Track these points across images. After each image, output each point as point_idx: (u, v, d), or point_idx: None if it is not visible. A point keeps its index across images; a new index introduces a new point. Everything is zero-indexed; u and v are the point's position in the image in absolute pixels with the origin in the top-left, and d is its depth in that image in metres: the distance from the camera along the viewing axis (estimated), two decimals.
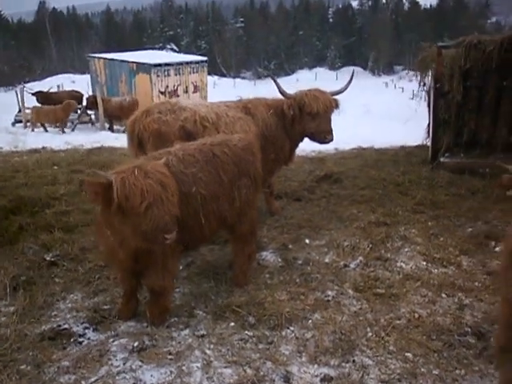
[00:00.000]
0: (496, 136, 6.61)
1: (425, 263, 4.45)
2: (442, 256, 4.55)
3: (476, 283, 4.08)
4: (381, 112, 24.90)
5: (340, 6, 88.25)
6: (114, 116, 17.87)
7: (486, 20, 77.96)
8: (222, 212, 3.68)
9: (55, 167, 8.94)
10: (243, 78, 68.85)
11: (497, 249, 4.67)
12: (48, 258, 4.63)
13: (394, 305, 3.78)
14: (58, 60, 68.84)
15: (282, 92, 5.21)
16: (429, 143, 9.08)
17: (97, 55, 20.67)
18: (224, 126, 4.80)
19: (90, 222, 5.63)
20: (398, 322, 3.55)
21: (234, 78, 64.73)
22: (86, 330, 3.49)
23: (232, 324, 3.53)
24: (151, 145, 4.76)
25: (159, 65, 18.56)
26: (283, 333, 3.41)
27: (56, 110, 16.99)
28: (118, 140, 15.12)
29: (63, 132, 16.98)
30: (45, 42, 69.38)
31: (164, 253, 3.33)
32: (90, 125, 19.02)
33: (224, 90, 38.86)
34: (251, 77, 70.46)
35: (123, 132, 16.85)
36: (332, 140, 5.19)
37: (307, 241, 5.02)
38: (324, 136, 5.15)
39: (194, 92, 21.08)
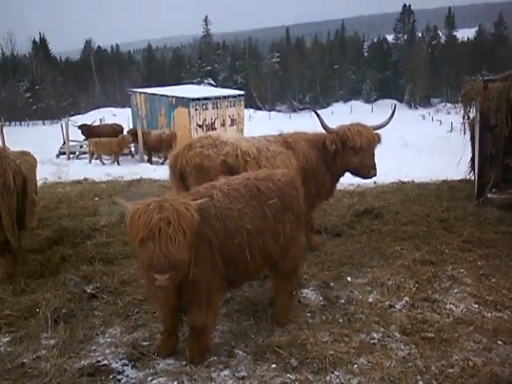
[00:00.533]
0: None
1: (477, 306, 4.20)
2: (496, 299, 4.29)
3: None
4: (419, 145, 24.58)
5: (375, 40, 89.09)
6: (153, 148, 18.32)
7: None
8: (267, 248, 3.61)
9: (96, 198, 9.16)
10: (278, 111, 69.86)
11: None
12: (88, 291, 4.65)
13: (445, 351, 3.55)
14: (101, 95, 72.05)
15: (324, 126, 5.17)
16: (473, 178, 8.85)
17: (138, 90, 21.42)
18: (265, 160, 4.79)
19: (129, 254, 5.68)
20: (450, 370, 3.32)
21: (270, 111, 65.74)
22: (125, 367, 3.42)
23: (273, 366, 3.39)
24: (193, 179, 4.79)
25: (197, 99, 18.98)
26: (327, 378, 3.24)
27: (111, 142, 17.68)
28: (157, 172, 15.49)
29: (118, 164, 17.56)
30: (89, 77, 72.87)
31: (208, 289, 3.28)
32: (129, 157, 19.53)
33: (259, 123, 39.46)
34: (286, 110, 71.45)
35: (161, 164, 17.23)
36: (376, 175, 5.13)
37: (349, 278, 4.86)
38: (368, 171, 5.08)
39: (231, 125, 21.38)
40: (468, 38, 79.90)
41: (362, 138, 4.96)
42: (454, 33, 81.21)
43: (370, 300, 4.39)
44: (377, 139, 5.11)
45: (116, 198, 3.25)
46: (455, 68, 72.30)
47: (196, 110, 18.87)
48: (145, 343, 3.73)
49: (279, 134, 5.32)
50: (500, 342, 3.65)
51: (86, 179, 12.89)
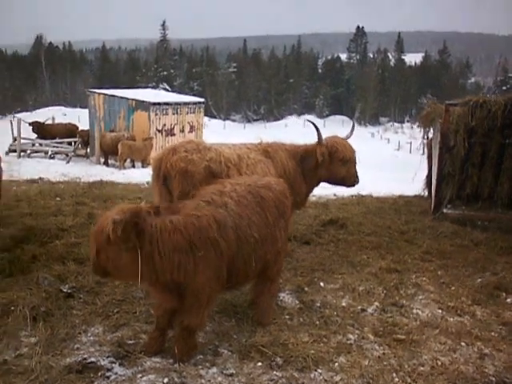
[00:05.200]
0: (497, 191, 6.89)
1: (440, 311, 4.54)
2: (456, 305, 4.65)
3: (492, 333, 4.17)
4: (369, 161, 25.50)
5: (329, 57, 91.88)
6: (110, 151, 17.97)
7: (467, 80, 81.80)
8: (267, 254, 3.76)
9: (58, 198, 8.93)
10: (233, 120, 70.24)
11: (508, 300, 4.80)
12: (65, 290, 4.59)
13: (415, 351, 3.82)
14: (51, 93, 69.43)
15: (320, 138, 5.38)
16: (427, 194, 9.43)
17: (97, 90, 20.96)
18: (246, 167, 4.94)
19: None
20: (422, 368, 3.60)
21: (224, 119, 65.96)
22: (113, 365, 3.44)
23: (259, 364, 3.53)
24: (177, 183, 4.85)
25: (158, 103, 18.88)
26: (311, 375, 3.42)
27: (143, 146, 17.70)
28: (114, 175, 15.30)
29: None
30: (39, 74, 70.11)
31: (209, 295, 3.39)
32: (85, 158, 19.07)
33: (215, 131, 39.57)
34: (241, 120, 72.00)
35: (117, 168, 16.93)
36: (358, 183, 5.58)
37: (322, 284, 5.09)
38: (353, 180, 5.44)
39: (190, 132, 21.39)
40: (415, 63, 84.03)
41: (349, 150, 5.31)
42: (403, 56, 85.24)
43: (344, 304, 4.63)
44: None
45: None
46: (403, 90, 75.97)
47: (156, 114, 18.76)
48: (130, 341, 3.76)
49: (259, 142, 5.50)
50: (463, 344, 3.98)
51: (41, 179, 12.53)
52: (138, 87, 41.18)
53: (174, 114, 19.99)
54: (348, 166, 5.42)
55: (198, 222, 3.25)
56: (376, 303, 4.64)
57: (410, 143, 36.45)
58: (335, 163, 5.38)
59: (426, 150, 9.26)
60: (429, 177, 9.45)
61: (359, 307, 4.56)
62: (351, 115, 75.27)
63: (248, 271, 3.65)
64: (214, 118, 64.61)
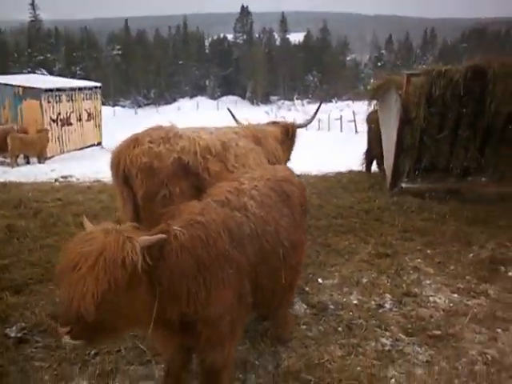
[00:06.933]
0: (452, 161, 6.84)
1: (455, 295, 4.23)
2: (466, 286, 4.38)
3: None
4: None
5: (215, 37, 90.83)
6: None
7: (345, 57, 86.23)
8: (295, 263, 3.03)
9: None
10: (123, 106, 66.44)
11: (510, 273, 4.65)
12: (13, 334, 3.46)
13: (459, 347, 3.44)
14: None
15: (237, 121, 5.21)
16: (364, 169, 9.33)
17: None
18: (234, 158, 4.05)
19: (41, 277, 4.49)
20: (476, 367, 3.21)
21: (113, 106, 62.09)
22: None
23: None
24: (139, 182, 3.83)
25: (50, 90, 16.72)
26: None
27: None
28: (7, 174, 13.23)
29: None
30: None
31: (232, 324, 2.55)
32: None
33: (104, 120, 36.85)
34: (131, 105, 68.38)
35: (9, 165, 14.77)
36: None
37: (320, 280, 4.52)
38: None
39: (88, 120, 19.50)
40: (299, 42, 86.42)
41: None
42: (287, 36, 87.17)
43: (355, 302, 4.11)
44: None
45: (84, 218, 2.28)
46: (289, 68, 77.78)
47: (49, 102, 16.64)
48: None
49: (246, 125, 4.68)
50: (499, 330, 3.68)
51: None
52: (10, 73, 36.67)
53: (68, 100, 17.95)
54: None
55: (204, 233, 2.42)
56: (387, 295, 4.20)
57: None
58: (292, 144, 5.36)
59: (366, 124, 9.08)
60: (369, 152, 9.34)
61: (373, 303, 4.09)
62: (243, 95, 75.73)
63: (276, 288, 2.91)
64: (103, 104, 60.47)
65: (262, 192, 2.89)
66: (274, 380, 3.01)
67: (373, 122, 8.69)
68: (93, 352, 3.30)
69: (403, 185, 7.08)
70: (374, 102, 8.16)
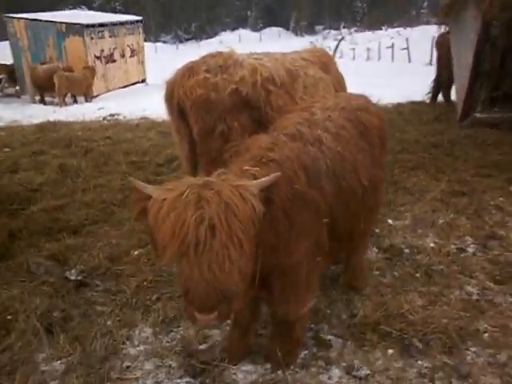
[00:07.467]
0: None
1: None
2: None
3: None
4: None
5: None
6: (44, 87, 15.50)
7: None
8: (374, 205, 2.66)
9: (6, 149, 7.22)
10: (164, 41, 65.39)
11: None
12: (73, 278, 3.35)
13: None
14: None
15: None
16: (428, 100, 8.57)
17: (15, 15, 17.64)
18: (303, 90, 3.58)
19: (96, 218, 4.36)
20: None
21: (155, 42, 61.11)
22: None
23: (390, 351, 2.58)
24: (194, 116, 3.47)
25: (92, 25, 16.26)
26: (469, 357, 2.52)
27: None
28: (57, 113, 13.22)
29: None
30: None
31: (309, 272, 2.27)
32: (16, 97, 16.48)
33: (147, 56, 36.22)
34: (172, 40, 67.15)
35: (57, 105, 14.79)
36: None
37: (390, 221, 4.15)
38: None
39: (131, 56, 19.06)
40: None
41: None
42: None
43: (432, 245, 3.73)
44: None
45: (132, 179, 1.85)
46: None
47: (92, 38, 16.24)
48: (200, 346, 2.67)
49: (311, 49, 4.15)
50: None
51: None
52: (55, 10, 36.33)
53: (110, 36, 17.46)
54: None
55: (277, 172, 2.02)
56: (469, 238, 3.79)
57: (354, 49, 35.04)
58: None
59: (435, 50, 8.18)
60: (437, 80, 8.49)
61: (453, 246, 3.69)
62: (286, 26, 72.46)
63: (353, 233, 2.57)
64: (145, 41, 59.63)
65: (336, 123, 2.49)
66: (350, 331, 2.75)
67: (442, 46, 7.79)
68: (154, 297, 3.15)
69: (477, 115, 6.36)
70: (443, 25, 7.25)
